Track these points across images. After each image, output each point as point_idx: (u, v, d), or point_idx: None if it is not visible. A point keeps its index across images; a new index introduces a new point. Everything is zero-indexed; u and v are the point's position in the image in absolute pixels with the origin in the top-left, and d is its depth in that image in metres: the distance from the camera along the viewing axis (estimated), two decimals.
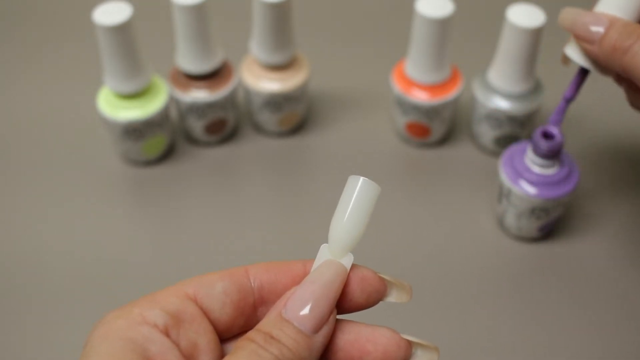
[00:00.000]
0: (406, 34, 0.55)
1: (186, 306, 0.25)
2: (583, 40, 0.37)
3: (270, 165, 0.57)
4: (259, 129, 0.59)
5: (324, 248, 0.26)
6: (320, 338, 0.24)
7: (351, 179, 0.26)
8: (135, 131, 0.52)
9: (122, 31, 0.48)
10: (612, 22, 0.36)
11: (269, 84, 0.55)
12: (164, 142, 0.55)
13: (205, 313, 0.25)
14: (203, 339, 0.25)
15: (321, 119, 0.60)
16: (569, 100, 0.42)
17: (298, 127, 0.59)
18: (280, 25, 0.51)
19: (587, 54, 0.38)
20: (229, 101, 0.55)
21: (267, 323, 0.24)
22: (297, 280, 0.26)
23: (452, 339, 0.45)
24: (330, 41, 0.68)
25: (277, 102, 0.55)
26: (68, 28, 0.70)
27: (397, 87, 0.54)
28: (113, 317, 0.24)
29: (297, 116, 0.57)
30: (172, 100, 0.56)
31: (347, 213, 0.25)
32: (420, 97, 0.53)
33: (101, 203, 0.53)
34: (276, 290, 0.26)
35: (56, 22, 0.71)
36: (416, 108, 0.54)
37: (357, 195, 0.25)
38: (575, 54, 0.39)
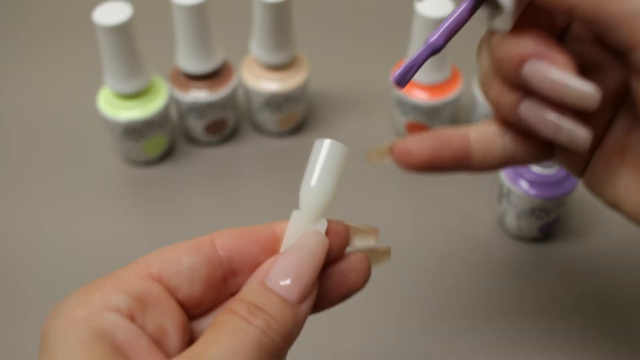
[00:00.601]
0: (406, 34, 0.55)
1: (150, 288, 0.23)
2: None
3: (270, 165, 0.57)
4: (259, 129, 0.59)
5: (296, 214, 0.25)
6: (304, 308, 0.23)
7: (317, 142, 0.25)
8: (135, 131, 0.52)
9: (122, 31, 0.48)
10: None
11: (269, 84, 0.55)
12: (164, 142, 0.55)
13: (172, 292, 0.24)
14: (170, 322, 0.23)
15: (321, 119, 0.60)
16: (435, 49, 0.25)
17: (298, 127, 0.59)
18: (280, 25, 0.51)
19: None
20: (229, 101, 0.55)
21: (250, 292, 0.23)
22: (269, 247, 0.25)
23: (451, 338, 0.45)
24: (330, 41, 0.68)
25: (277, 102, 0.55)
26: (68, 28, 0.70)
27: None
28: (74, 305, 0.22)
29: (297, 116, 0.57)
30: (172, 100, 0.56)
31: (316, 176, 0.25)
32: (420, 97, 0.53)
33: (101, 203, 0.53)
34: (247, 259, 0.25)
35: (56, 22, 0.71)
36: (416, 108, 0.54)
37: (324, 157, 0.25)
38: None
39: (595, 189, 0.28)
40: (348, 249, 0.27)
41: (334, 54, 0.66)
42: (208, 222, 0.52)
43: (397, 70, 0.24)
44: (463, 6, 0.24)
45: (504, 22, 0.22)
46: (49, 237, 0.51)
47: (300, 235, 0.24)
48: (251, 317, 0.22)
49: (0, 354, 0.44)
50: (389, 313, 0.46)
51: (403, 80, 0.24)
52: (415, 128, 0.56)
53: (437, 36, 0.24)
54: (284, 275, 0.23)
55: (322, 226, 0.25)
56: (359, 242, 0.27)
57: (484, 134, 0.27)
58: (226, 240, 0.25)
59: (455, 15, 0.24)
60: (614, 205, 0.27)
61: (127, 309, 0.22)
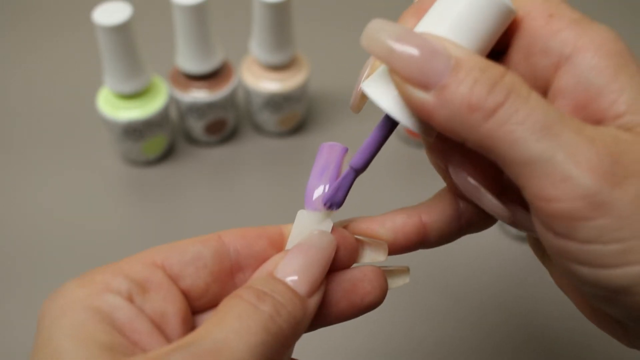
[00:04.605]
0: None
1: (152, 274, 0.23)
2: (410, 81, 0.21)
3: (270, 165, 0.57)
4: (259, 129, 0.59)
5: (301, 213, 0.26)
6: (312, 302, 0.23)
7: (322, 146, 0.26)
8: (135, 131, 0.52)
9: (122, 31, 0.48)
10: (462, 59, 0.21)
11: (269, 84, 0.55)
12: (164, 142, 0.55)
13: (175, 280, 0.24)
14: (171, 309, 0.23)
15: (321, 119, 0.60)
16: (358, 170, 0.25)
17: (298, 127, 0.59)
18: (280, 25, 0.51)
19: (411, 104, 0.22)
20: (229, 101, 0.55)
21: (258, 281, 0.23)
22: (276, 244, 0.25)
23: (452, 338, 0.45)
24: (330, 41, 0.68)
25: (277, 102, 0.55)
26: (68, 28, 0.70)
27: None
28: (73, 287, 0.22)
29: (297, 116, 0.57)
30: (172, 100, 0.56)
31: (322, 176, 0.25)
32: None
33: (101, 203, 0.53)
34: (254, 254, 0.25)
35: (56, 22, 0.71)
36: None
37: (327, 158, 0.26)
38: (381, 95, 0.23)
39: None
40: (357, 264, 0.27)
41: (334, 54, 0.66)
42: (208, 222, 0.52)
43: (325, 195, 0.25)
44: (379, 131, 0.25)
45: (427, 137, 0.24)
46: (48, 237, 0.51)
47: (308, 233, 0.25)
48: (259, 302, 0.21)
49: None
50: (388, 313, 0.46)
51: (333, 201, 0.25)
52: None
53: (360, 160, 0.25)
54: (293, 269, 0.23)
55: (328, 226, 0.25)
56: (367, 257, 0.27)
57: (439, 216, 0.28)
58: (233, 235, 0.25)
59: (373, 139, 0.25)
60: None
61: (126, 291, 0.22)
